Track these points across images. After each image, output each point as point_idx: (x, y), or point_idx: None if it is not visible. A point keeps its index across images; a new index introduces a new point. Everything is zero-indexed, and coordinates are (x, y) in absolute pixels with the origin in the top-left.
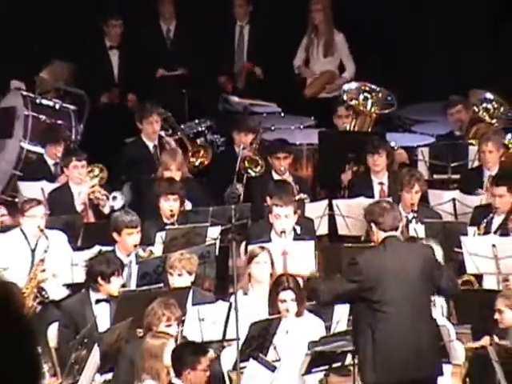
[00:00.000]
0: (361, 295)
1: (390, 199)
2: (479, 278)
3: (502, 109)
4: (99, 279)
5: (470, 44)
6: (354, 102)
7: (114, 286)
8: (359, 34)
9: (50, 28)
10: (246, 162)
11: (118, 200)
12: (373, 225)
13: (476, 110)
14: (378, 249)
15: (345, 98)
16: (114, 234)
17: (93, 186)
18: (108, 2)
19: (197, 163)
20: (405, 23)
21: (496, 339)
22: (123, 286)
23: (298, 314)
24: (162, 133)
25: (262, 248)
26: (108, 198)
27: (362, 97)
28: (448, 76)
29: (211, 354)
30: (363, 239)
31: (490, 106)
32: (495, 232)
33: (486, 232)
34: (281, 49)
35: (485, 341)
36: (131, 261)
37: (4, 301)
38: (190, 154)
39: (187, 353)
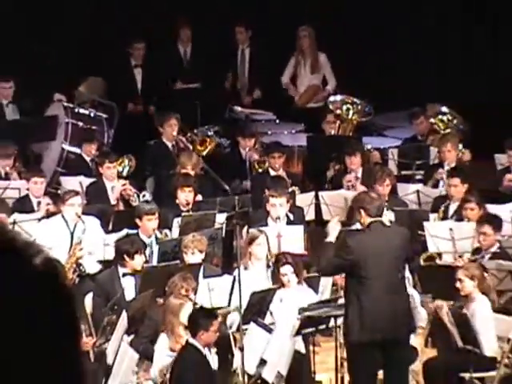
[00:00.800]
0: (351, 269)
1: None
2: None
3: (455, 121)
4: (125, 256)
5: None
6: (338, 111)
7: (137, 262)
8: (342, 54)
9: (84, 50)
10: (256, 165)
11: (146, 197)
12: (361, 211)
13: (433, 121)
14: (365, 232)
15: (331, 107)
16: (137, 220)
17: (124, 185)
18: (133, 28)
19: (204, 153)
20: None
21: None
22: (146, 262)
23: (299, 282)
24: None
25: (261, 231)
26: (138, 196)
27: (345, 107)
28: (410, 89)
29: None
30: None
31: (444, 117)
32: (451, 217)
33: (444, 217)
34: (275, 67)
35: (438, 303)
36: (152, 242)
37: (50, 273)
38: (197, 144)
39: (201, 317)
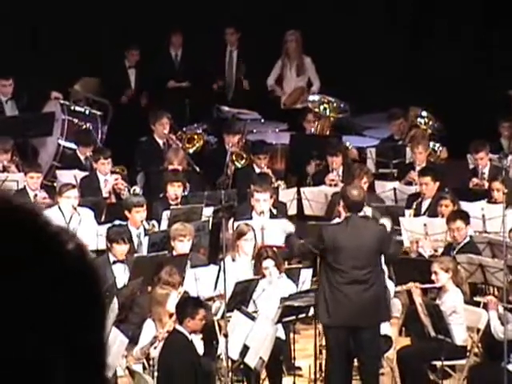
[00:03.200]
0: (323, 256)
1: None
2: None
3: (430, 122)
4: (110, 243)
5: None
6: (316, 110)
7: (121, 249)
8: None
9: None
10: (233, 156)
11: (136, 191)
12: (342, 203)
13: (414, 121)
14: (341, 224)
15: (310, 106)
16: (126, 212)
17: (116, 179)
18: (129, 33)
19: (191, 151)
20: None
21: (418, 284)
22: (134, 252)
23: (279, 274)
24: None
25: (248, 226)
26: (129, 190)
27: (322, 106)
28: (388, 92)
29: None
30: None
31: (422, 120)
32: (424, 213)
33: (417, 214)
34: (261, 70)
35: (409, 286)
36: (140, 233)
37: (83, 258)
38: (185, 141)
39: (188, 305)
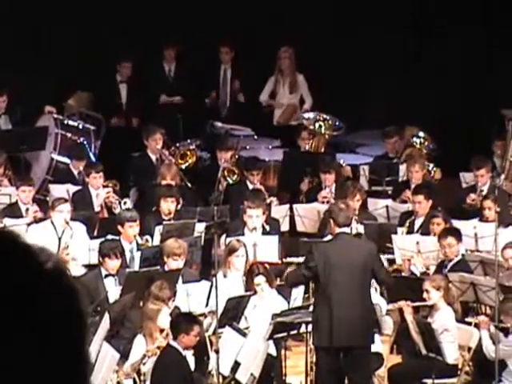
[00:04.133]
0: (314, 277)
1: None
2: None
3: (426, 143)
4: (102, 257)
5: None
6: (311, 127)
7: (113, 264)
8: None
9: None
10: (225, 172)
11: (127, 204)
12: (331, 220)
13: (410, 140)
14: (330, 241)
15: (305, 123)
16: (119, 227)
17: (108, 193)
18: (121, 45)
19: (184, 166)
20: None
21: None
22: (126, 267)
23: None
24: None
25: (240, 243)
26: (120, 203)
27: (317, 124)
28: (383, 110)
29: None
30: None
31: (418, 140)
32: (417, 231)
33: (409, 231)
34: (254, 87)
35: (401, 304)
36: (133, 248)
37: (60, 274)
38: (178, 157)
39: (183, 321)
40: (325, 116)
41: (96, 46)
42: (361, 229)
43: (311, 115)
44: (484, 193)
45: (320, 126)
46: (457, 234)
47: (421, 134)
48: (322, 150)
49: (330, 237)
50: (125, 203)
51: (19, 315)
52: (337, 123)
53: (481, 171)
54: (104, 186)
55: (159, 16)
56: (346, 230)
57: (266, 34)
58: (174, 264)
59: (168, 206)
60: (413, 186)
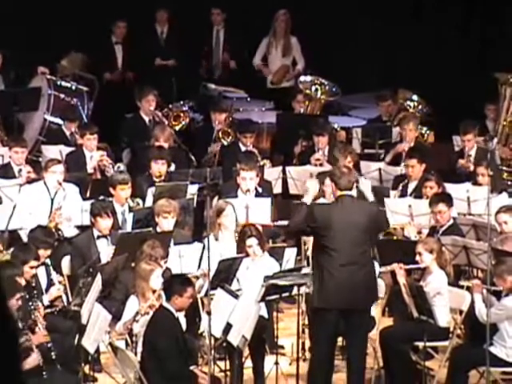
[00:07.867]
0: (314, 238)
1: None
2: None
3: (420, 106)
4: (94, 217)
5: (396, 47)
6: (308, 91)
7: (105, 224)
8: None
9: (68, 27)
10: (220, 133)
11: (121, 168)
12: (333, 184)
13: (403, 103)
14: (333, 204)
15: (301, 87)
16: (111, 189)
17: (102, 156)
18: (116, 7)
19: (177, 128)
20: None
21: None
22: (119, 228)
23: (262, 252)
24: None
25: (226, 202)
26: (113, 167)
27: (314, 88)
28: (377, 72)
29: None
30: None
31: (411, 103)
32: (410, 195)
33: (402, 195)
34: (247, 48)
35: (393, 266)
36: (125, 210)
37: None
38: (172, 119)
39: (176, 283)
40: (322, 80)
41: (90, 7)
42: (368, 184)
43: (308, 79)
44: (472, 158)
45: (316, 90)
46: (447, 200)
47: (414, 97)
48: (318, 113)
49: (322, 199)
50: (118, 167)
51: None
52: (334, 89)
53: (468, 136)
54: (98, 148)
55: None
56: (349, 193)
57: None
58: (164, 222)
59: (159, 167)
60: (405, 144)
